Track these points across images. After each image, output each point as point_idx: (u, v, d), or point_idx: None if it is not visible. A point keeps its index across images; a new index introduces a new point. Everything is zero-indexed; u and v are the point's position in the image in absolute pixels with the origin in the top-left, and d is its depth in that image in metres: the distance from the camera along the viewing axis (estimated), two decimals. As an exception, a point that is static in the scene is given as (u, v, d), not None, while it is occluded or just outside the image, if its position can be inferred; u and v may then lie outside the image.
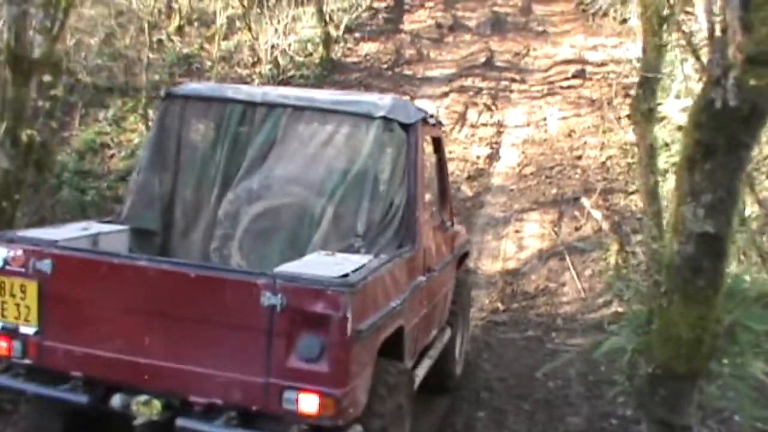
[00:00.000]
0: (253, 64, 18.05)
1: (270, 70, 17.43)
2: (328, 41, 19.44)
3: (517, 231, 12.72)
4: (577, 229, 12.58)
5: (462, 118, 16.61)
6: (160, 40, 19.38)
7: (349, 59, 19.83)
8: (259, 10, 19.73)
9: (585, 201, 12.96)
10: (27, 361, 5.05)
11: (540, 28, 21.99)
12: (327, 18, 19.88)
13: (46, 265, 4.96)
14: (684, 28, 7.92)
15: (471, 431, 7.65)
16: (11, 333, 5.04)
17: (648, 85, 8.18)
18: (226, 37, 19.53)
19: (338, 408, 4.46)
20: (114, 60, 18.02)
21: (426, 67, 19.50)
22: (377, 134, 5.88)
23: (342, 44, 20.53)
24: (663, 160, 11.85)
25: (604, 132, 15.45)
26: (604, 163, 14.49)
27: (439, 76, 18.85)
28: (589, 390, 8.55)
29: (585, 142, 15.34)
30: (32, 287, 4.99)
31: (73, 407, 5.14)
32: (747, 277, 5.33)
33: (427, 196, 6.85)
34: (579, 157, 14.79)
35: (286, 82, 17.35)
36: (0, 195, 7.87)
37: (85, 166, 14.20)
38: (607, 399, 8.01)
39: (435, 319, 7.10)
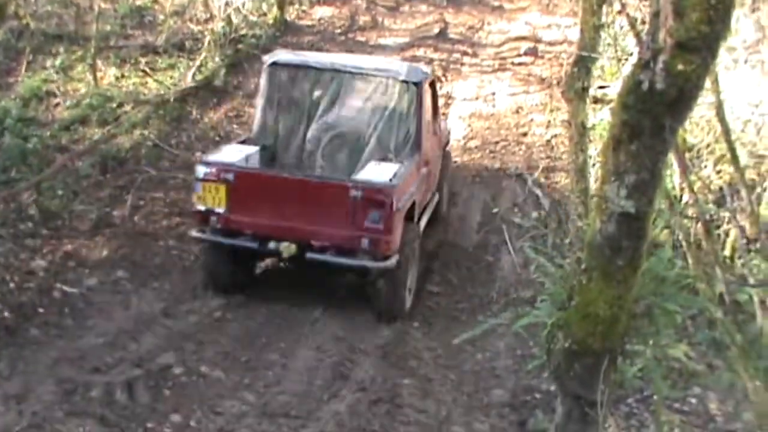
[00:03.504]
0: (206, 21, 17.79)
1: (222, 27, 17.20)
2: (282, 2, 19.24)
3: (456, 204, 12.76)
4: (517, 204, 12.66)
5: (411, 88, 16.58)
6: (113, -10, 19.07)
7: (303, 22, 19.69)
8: (215, -35, 19.49)
9: (527, 177, 13.05)
10: (219, 227, 9.17)
11: (496, 3, 21.96)
12: (283, -22, 19.72)
13: (230, 176, 9.04)
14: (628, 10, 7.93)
15: (396, 398, 7.72)
16: (210, 212, 9.11)
17: (583, 64, 8.24)
18: (180, -9, 19.26)
19: (387, 247, 8.81)
20: (65, 7, 17.68)
21: (379, 34, 19.41)
22: (399, 90, 10.02)
23: (297, 6, 20.38)
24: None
25: (551, 111, 15.53)
26: (549, 141, 14.59)
27: (392, 44, 18.77)
28: (517, 363, 8.67)
29: (532, 120, 15.43)
30: (222, 188, 9.03)
31: (235, 250, 9.35)
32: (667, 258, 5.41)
33: (427, 117, 10.54)
34: (524, 134, 14.88)
35: (237, 41, 17.18)
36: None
37: (29, 114, 13.92)
38: (533, 373, 8.12)
39: (430, 190, 11.21)
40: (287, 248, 8.92)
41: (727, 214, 10.13)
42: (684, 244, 8.53)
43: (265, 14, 19.20)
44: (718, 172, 11.39)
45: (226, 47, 16.90)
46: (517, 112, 15.75)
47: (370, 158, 9.71)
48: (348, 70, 10.11)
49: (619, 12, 14.10)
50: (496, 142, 14.56)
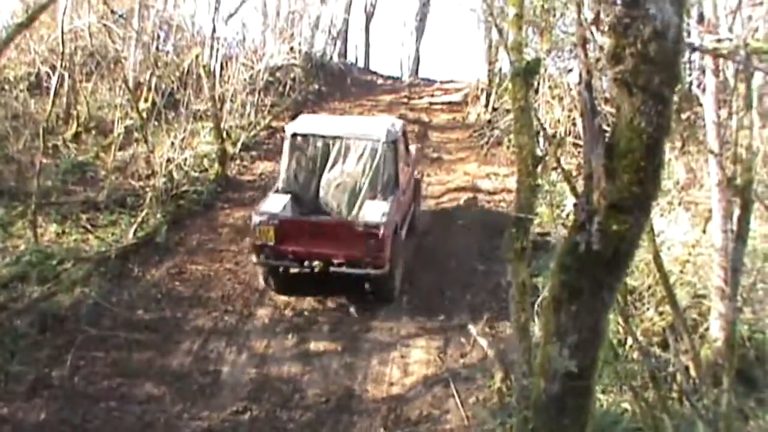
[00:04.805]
0: (148, 177, 17.90)
1: (164, 183, 17.29)
2: (224, 158, 19.51)
3: (402, 356, 12.63)
4: (462, 356, 12.59)
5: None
6: (55, 146, 19.19)
7: (244, 177, 19.91)
8: (157, 122, 19.72)
9: (472, 328, 13.04)
10: (270, 253, 13.65)
11: (435, 155, 22.44)
12: (224, 135, 19.98)
13: (276, 221, 13.48)
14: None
15: None
16: (264, 244, 13.57)
17: (521, 225, 8.35)
18: (122, 148, 19.43)
19: (382, 260, 13.41)
20: (6, 163, 17.71)
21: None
22: (382, 147, 14.35)
23: (238, 161, 20.64)
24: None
25: (494, 261, 15.62)
26: (492, 290, 14.62)
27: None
28: None
29: (475, 269, 15.52)
30: (271, 229, 13.48)
31: (285, 266, 14.09)
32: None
33: (401, 160, 15.11)
34: (468, 285, 14.92)
35: (179, 197, 17.29)
36: None
37: (-36, 272, 13.74)
38: None
39: (408, 209, 15.86)
40: (318, 265, 13.57)
41: (671, 357, 10.16)
42: (630, 391, 8.51)
43: (206, 170, 19.40)
44: (661, 313, 11.50)
45: (167, 203, 16.98)
46: (460, 261, 15.84)
47: (365, 198, 14.20)
48: (346, 136, 14.55)
49: (554, 168, 14.40)
50: (441, 292, 14.59)
